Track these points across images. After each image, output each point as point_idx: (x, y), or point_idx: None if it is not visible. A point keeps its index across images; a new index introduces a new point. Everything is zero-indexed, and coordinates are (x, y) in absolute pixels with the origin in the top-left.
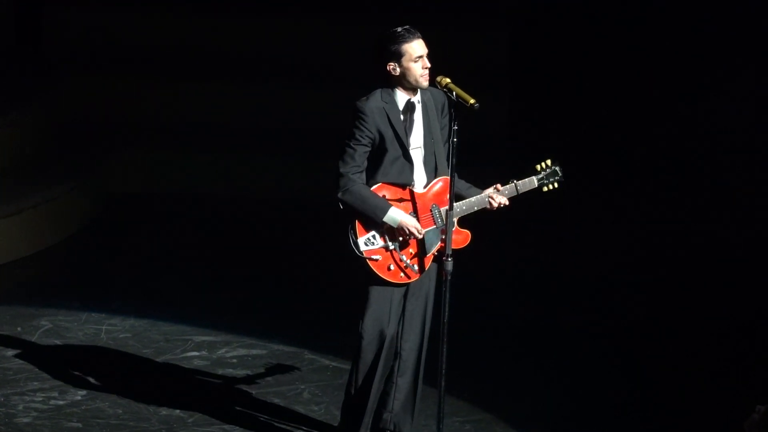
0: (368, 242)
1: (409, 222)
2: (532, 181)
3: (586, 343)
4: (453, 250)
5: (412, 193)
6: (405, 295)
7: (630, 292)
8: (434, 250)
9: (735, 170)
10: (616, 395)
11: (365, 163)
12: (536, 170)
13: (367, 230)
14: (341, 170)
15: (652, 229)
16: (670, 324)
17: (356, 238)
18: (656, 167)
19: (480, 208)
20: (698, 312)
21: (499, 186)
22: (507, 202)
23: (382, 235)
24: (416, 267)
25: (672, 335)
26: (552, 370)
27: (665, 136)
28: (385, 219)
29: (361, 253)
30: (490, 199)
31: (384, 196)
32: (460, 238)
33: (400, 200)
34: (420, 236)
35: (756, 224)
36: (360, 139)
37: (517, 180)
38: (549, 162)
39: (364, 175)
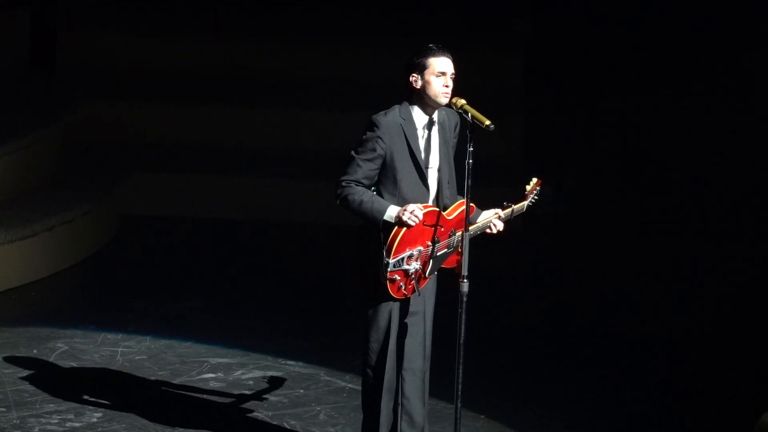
0: (397, 264)
1: (408, 207)
2: (524, 205)
3: (607, 362)
4: (453, 270)
5: (440, 217)
6: (403, 316)
7: (649, 309)
8: (435, 271)
9: (738, 170)
10: (636, 414)
11: (368, 181)
12: (525, 190)
13: (400, 253)
14: (341, 177)
15: (667, 241)
16: (694, 340)
17: (389, 258)
18: (668, 179)
19: (482, 232)
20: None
21: (500, 212)
22: (502, 228)
23: (408, 259)
24: (417, 285)
25: (697, 351)
26: (572, 389)
27: (668, 143)
28: (385, 217)
29: (386, 272)
30: (492, 225)
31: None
32: (460, 258)
33: (431, 224)
34: (421, 214)
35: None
36: (368, 153)
37: (514, 204)
38: (534, 180)
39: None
